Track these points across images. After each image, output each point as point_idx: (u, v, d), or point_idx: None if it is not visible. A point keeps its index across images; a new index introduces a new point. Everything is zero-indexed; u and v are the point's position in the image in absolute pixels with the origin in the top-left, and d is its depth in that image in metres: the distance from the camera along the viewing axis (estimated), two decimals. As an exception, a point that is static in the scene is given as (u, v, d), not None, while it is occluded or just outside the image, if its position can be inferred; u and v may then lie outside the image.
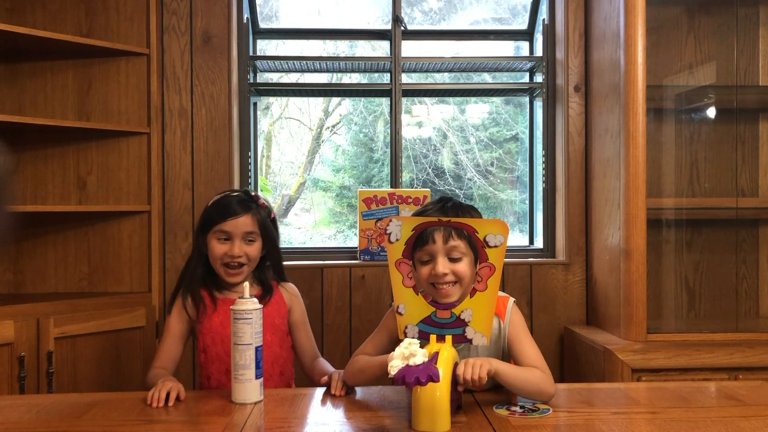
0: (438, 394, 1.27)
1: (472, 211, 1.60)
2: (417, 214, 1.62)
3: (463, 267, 1.48)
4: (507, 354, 1.58)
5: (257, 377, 1.50)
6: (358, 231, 2.83)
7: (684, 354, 2.27)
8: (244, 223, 1.81)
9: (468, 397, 1.53)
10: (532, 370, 1.49)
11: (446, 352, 1.33)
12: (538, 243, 3.00)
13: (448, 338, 1.40)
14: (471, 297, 1.42)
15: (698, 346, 2.31)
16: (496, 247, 1.39)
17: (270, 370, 1.82)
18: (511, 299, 1.60)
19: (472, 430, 1.31)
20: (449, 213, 1.55)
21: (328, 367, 1.86)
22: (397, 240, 1.42)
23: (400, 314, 1.44)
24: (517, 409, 1.45)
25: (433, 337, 1.41)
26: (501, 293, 1.60)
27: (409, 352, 1.26)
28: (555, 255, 2.92)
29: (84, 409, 1.48)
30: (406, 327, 1.44)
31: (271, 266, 1.93)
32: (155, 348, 2.56)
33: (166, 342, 1.84)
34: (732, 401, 1.51)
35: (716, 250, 2.76)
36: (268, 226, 1.86)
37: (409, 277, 1.44)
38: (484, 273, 1.40)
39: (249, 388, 1.49)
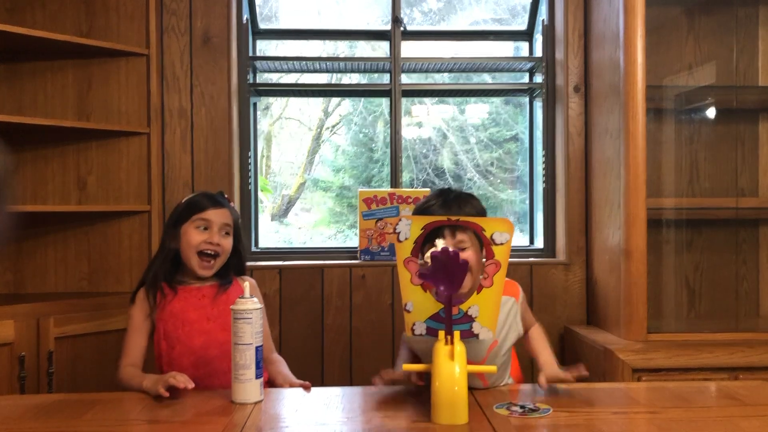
0: (456, 389, 1.34)
1: (473, 200, 1.70)
2: (419, 207, 1.69)
3: (470, 254, 1.55)
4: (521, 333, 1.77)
5: (257, 377, 1.50)
6: (358, 231, 2.83)
7: (684, 354, 2.27)
8: (224, 214, 1.86)
9: (468, 398, 1.53)
10: (545, 344, 1.77)
11: (459, 346, 1.37)
12: (538, 243, 3.00)
13: (457, 334, 1.41)
14: (478, 293, 1.44)
15: (698, 346, 2.31)
16: (502, 244, 1.40)
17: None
18: (518, 284, 1.79)
19: (472, 430, 1.32)
20: (452, 205, 1.64)
21: (286, 369, 1.86)
22: (406, 239, 1.43)
23: (408, 311, 1.45)
24: (517, 408, 1.45)
25: (441, 333, 1.41)
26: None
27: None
28: (555, 255, 2.92)
29: (84, 408, 1.48)
30: (414, 324, 1.45)
31: (236, 263, 1.93)
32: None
33: (132, 337, 1.82)
34: (732, 401, 1.51)
35: (716, 250, 2.76)
36: (239, 226, 1.93)
37: (416, 275, 1.45)
38: (491, 270, 1.42)
39: (249, 388, 1.49)
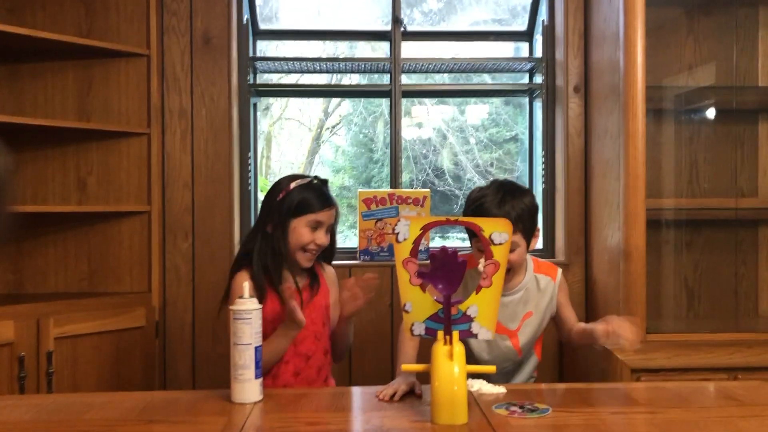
0: (456, 388, 1.34)
1: (525, 196, 1.86)
2: (472, 199, 1.87)
3: (516, 256, 1.84)
4: (554, 312, 2.00)
5: (257, 377, 1.50)
6: (357, 231, 2.83)
7: (683, 354, 2.27)
8: (333, 215, 1.91)
9: (468, 397, 1.53)
10: None
11: (458, 347, 1.38)
12: (538, 243, 3.00)
13: (455, 334, 1.41)
14: (477, 293, 1.43)
15: (697, 346, 2.31)
16: (501, 244, 1.40)
17: (323, 358, 1.93)
18: (560, 268, 2.04)
19: (472, 430, 1.32)
20: (507, 199, 1.81)
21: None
22: (405, 240, 1.43)
23: (407, 312, 1.45)
24: (517, 408, 1.45)
25: (440, 334, 1.42)
26: (546, 260, 2.08)
27: None
28: (555, 255, 2.92)
29: (84, 409, 1.48)
30: (413, 324, 1.45)
31: (329, 252, 1.98)
32: (155, 348, 2.57)
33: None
34: (731, 401, 1.51)
35: (716, 251, 2.76)
36: (338, 218, 1.98)
37: (415, 276, 1.45)
38: (490, 270, 1.42)
39: (248, 388, 1.49)
